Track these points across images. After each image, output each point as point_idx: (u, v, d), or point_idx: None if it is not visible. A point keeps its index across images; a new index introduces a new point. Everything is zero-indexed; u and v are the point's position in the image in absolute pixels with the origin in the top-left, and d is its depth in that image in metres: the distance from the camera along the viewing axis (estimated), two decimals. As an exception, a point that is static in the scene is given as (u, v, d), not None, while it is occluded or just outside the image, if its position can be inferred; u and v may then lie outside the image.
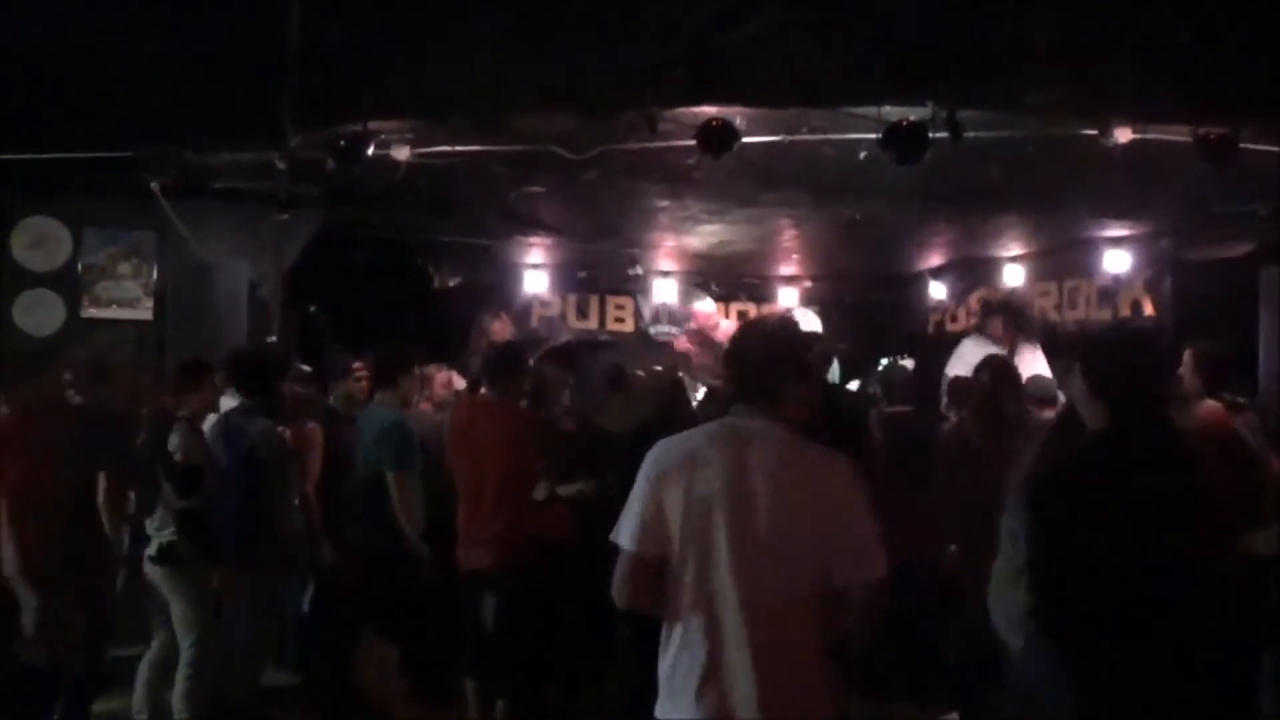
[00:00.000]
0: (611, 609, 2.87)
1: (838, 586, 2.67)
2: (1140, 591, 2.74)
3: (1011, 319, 7.79)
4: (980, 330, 8.09)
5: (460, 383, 7.81)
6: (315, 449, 5.87)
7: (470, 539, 5.20)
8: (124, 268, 7.16)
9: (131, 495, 5.30)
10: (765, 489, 2.69)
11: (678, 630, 2.73)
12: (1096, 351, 3.11)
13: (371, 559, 5.49)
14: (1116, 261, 8.40)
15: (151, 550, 5.15)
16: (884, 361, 8.07)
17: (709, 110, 5.39)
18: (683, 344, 8.81)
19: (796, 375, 2.81)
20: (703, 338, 8.53)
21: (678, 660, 2.72)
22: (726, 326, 9.01)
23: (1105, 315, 8.57)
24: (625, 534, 2.77)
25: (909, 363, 8.04)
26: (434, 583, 5.40)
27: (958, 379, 6.86)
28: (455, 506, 5.29)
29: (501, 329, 9.16)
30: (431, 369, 7.03)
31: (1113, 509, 2.79)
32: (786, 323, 3.02)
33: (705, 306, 8.57)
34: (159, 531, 5.17)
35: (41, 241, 7.01)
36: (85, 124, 5.83)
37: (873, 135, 5.31)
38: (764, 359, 2.80)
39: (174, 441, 5.14)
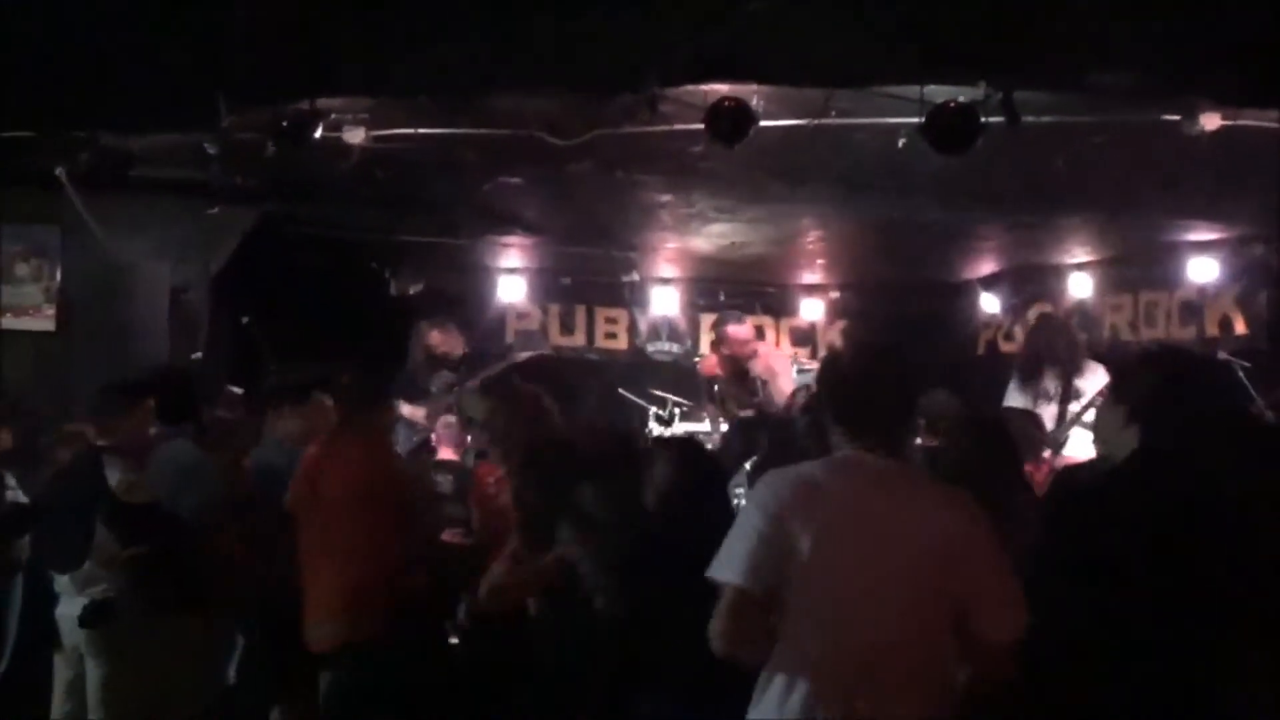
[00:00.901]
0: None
1: (975, 638, 2.87)
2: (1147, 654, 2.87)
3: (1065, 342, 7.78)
4: (1029, 356, 8.04)
5: (411, 411, 7.80)
6: (243, 485, 5.86)
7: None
8: (22, 269, 7.19)
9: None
10: (897, 528, 2.88)
11: (789, 676, 2.87)
12: (1131, 374, 3.29)
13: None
14: (1202, 270, 8.43)
15: (75, 610, 5.13)
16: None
17: (720, 89, 5.40)
18: (709, 367, 8.83)
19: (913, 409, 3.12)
20: (736, 366, 8.57)
21: (785, 705, 2.84)
22: (765, 352, 9.01)
23: (1189, 334, 8.60)
24: (732, 568, 2.88)
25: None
26: None
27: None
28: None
29: (444, 341, 8.76)
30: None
31: (1128, 547, 2.89)
32: (897, 348, 3.24)
33: (740, 328, 8.63)
34: (85, 589, 5.16)
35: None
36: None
37: (913, 120, 5.33)
38: (886, 389, 3.01)
39: (115, 478, 5.13)
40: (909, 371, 3.09)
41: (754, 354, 8.69)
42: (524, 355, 9.38)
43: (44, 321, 7.20)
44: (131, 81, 5.72)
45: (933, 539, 2.87)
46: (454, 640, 5.37)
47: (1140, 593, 2.91)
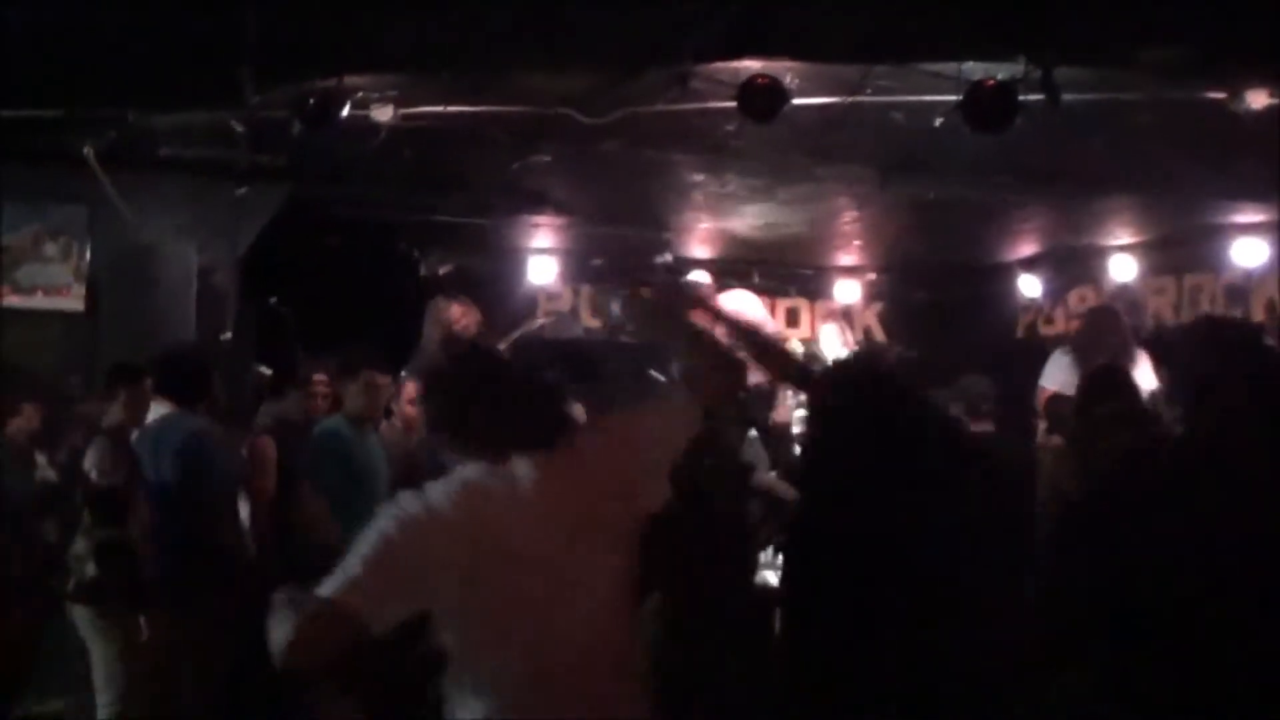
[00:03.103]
0: None
1: None
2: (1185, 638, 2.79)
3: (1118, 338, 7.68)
4: (1079, 350, 7.96)
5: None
6: (267, 465, 5.88)
7: None
8: (51, 248, 7.22)
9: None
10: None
11: None
12: (1171, 349, 3.22)
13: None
14: (1248, 253, 8.35)
15: (70, 586, 5.18)
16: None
17: (753, 66, 5.39)
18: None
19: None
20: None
21: None
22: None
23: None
24: None
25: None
26: None
27: (1056, 397, 6.80)
28: None
29: (462, 315, 8.24)
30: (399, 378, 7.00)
31: (1172, 528, 2.82)
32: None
33: (744, 299, 8.37)
34: (79, 565, 5.20)
35: (-50, 218, 7.10)
36: (3, 77, 5.87)
37: (951, 98, 5.29)
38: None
39: (90, 458, 5.19)
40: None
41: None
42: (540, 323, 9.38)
43: (73, 301, 7.24)
44: (157, 59, 5.72)
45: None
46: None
47: (1169, 593, 2.82)
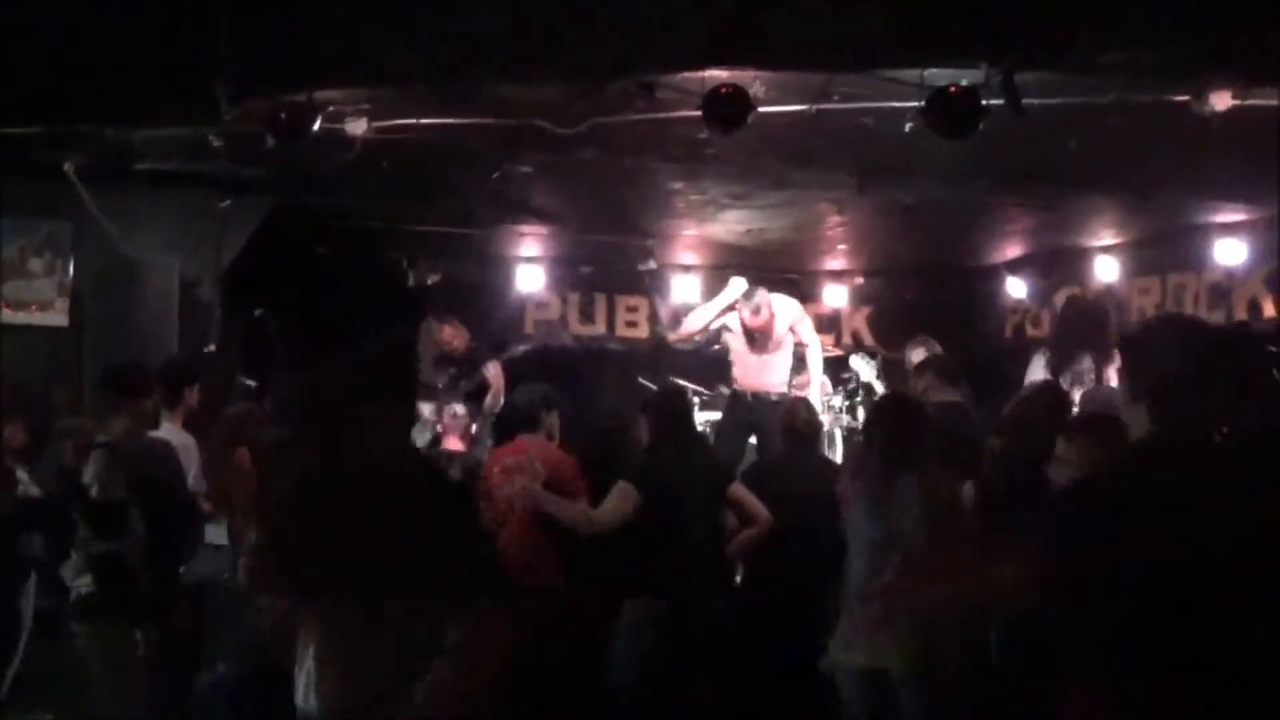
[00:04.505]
0: None
1: None
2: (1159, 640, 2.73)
3: (1094, 321, 7.71)
4: (1061, 338, 8.01)
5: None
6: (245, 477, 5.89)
7: None
8: (35, 264, 7.30)
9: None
10: None
11: None
12: (1133, 344, 3.08)
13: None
14: (1229, 252, 8.35)
15: (71, 600, 5.21)
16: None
17: (719, 75, 5.41)
18: None
19: None
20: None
21: None
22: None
23: (1218, 317, 8.50)
24: None
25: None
26: None
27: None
28: None
29: (454, 336, 8.87)
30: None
31: (1140, 531, 2.78)
32: None
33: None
34: (76, 580, 5.23)
35: (-62, 234, 7.15)
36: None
37: (916, 104, 5.30)
38: None
39: (90, 472, 5.19)
40: None
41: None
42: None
43: (58, 316, 7.32)
44: (134, 76, 5.77)
45: None
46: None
47: (1137, 604, 2.73)
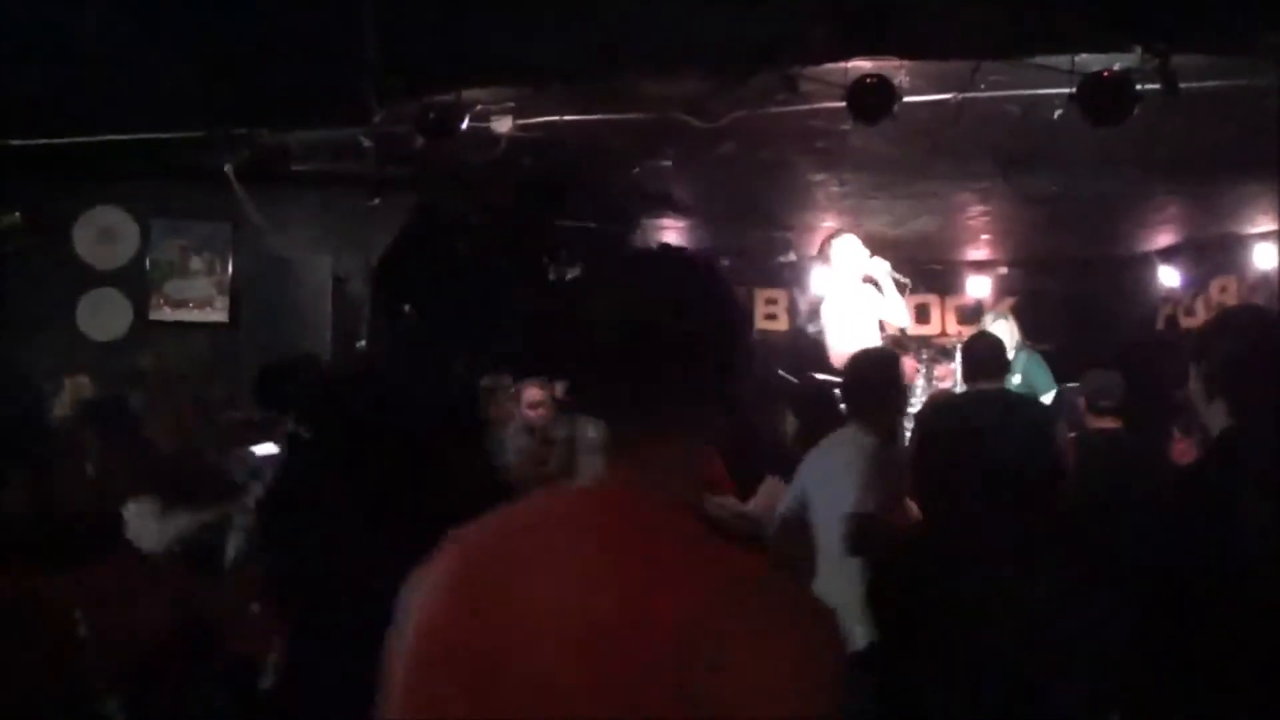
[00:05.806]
0: None
1: None
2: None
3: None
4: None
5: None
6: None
7: None
8: (196, 263, 7.57)
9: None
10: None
11: None
12: (1212, 339, 2.90)
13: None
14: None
15: None
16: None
17: (862, 66, 5.38)
18: None
19: None
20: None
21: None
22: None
23: (1386, 306, 8.17)
24: None
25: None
26: None
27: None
28: None
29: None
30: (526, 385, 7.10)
31: (1224, 534, 2.67)
32: None
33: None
34: None
35: (107, 235, 7.48)
36: (150, 103, 6.18)
37: (1065, 90, 5.20)
38: None
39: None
40: None
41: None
42: None
43: (217, 313, 7.58)
44: (287, 80, 5.96)
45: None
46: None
47: (1207, 611, 2.56)
